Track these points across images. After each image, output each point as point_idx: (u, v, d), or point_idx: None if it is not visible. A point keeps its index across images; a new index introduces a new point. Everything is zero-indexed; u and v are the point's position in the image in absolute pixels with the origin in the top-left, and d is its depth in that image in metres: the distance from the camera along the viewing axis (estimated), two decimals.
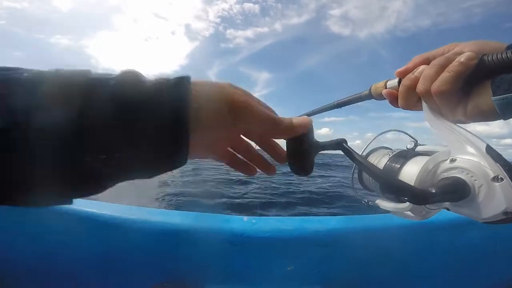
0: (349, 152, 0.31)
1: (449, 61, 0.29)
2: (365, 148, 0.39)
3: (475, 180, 0.27)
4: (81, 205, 1.03)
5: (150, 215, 0.99)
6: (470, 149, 0.28)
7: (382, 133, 0.41)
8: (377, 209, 0.40)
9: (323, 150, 0.33)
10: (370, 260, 0.95)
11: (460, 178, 0.28)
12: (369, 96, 0.41)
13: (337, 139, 0.33)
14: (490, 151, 0.27)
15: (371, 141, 0.39)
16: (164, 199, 4.50)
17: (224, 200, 4.57)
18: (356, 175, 0.39)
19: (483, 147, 0.27)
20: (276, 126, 0.28)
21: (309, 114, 0.65)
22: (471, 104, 0.30)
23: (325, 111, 0.57)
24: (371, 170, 0.30)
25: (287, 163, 0.33)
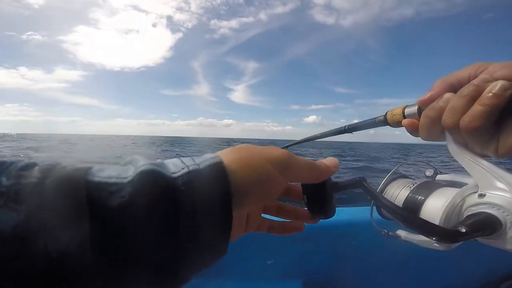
0: (370, 192, 0.31)
1: (479, 91, 0.26)
2: (386, 178, 0.38)
3: (507, 215, 0.27)
4: None
5: None
6: (501, 185, 0.28)
7: (403, 163, 0.40)
8: (398, 239, 0.39)
9: (343, 190, 0.32)
10: (353, 253, 0.92)
11: (491, 214, 0.28)
12: (385, 123, 0.39)
13: (357, 178, 0.32)
14: None
15: (393, 170, 0.39)
16: None
17: None
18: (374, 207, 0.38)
19: None
20: (316, 169, 0.29)
21: (317, 137, 0.65)
22: (503, 141, 0.27)
23: (334, 135, 0.57)
24: (395, 211, 0.29)
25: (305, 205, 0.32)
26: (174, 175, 0.20)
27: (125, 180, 0.18)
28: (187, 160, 0.22)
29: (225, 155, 0.24)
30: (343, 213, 0.94)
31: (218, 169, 0.21)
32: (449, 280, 0.96)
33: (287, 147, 0.96)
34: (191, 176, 0.20)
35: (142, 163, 0.20)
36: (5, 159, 0.18)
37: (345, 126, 0.48)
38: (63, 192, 0.16)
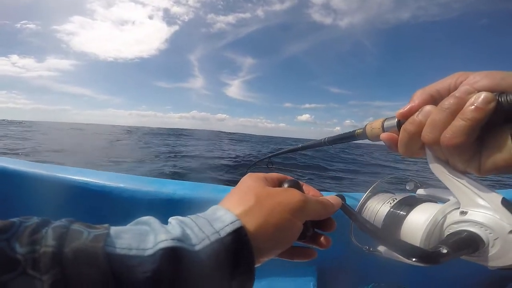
0: (349, 212, 0.30)
1: (460, 103, 0.24)
2: (366, 193, 0.37)
3: (490, 233, 0.26)
4: (72, 173, 0.97)
5: (144, 184, 0.94)
6: (483, 202, 0.27)
7: (384, 179, 0.39)
8: (380, 255, 0.38)
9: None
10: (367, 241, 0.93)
11: (473, 232, 0.26)
12: (363, 136, 0.38)
13: (336, 195, 0.31)
14: (506, 204, 0.25)
15: (374, 185, 0.38)
16: None
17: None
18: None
19: (498, 200, 0.26)
20: (326, 209, 0.30)
21: (298, 149, 0.64)
22: (486, 157, 0.25)
23: (315, 147, 0.56)
24: (373, 232, 0.28)
25: None
26: (196, 248, 0.20)
27: (145, 253, 0.19)
28: (206, 227, 0.22)
29: (245, 212, 0.24)
30: (356, 197, 0.92)
31: (240, 238, 0.22)
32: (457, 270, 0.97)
33: (269, 157, 0.95)
34: (214, 249, 0.21)
35: (162, 236, 0.20)
36: (13, 220, 0.17)
37: (325, 138, 0.47)
38: (85, 264, 0.17)
